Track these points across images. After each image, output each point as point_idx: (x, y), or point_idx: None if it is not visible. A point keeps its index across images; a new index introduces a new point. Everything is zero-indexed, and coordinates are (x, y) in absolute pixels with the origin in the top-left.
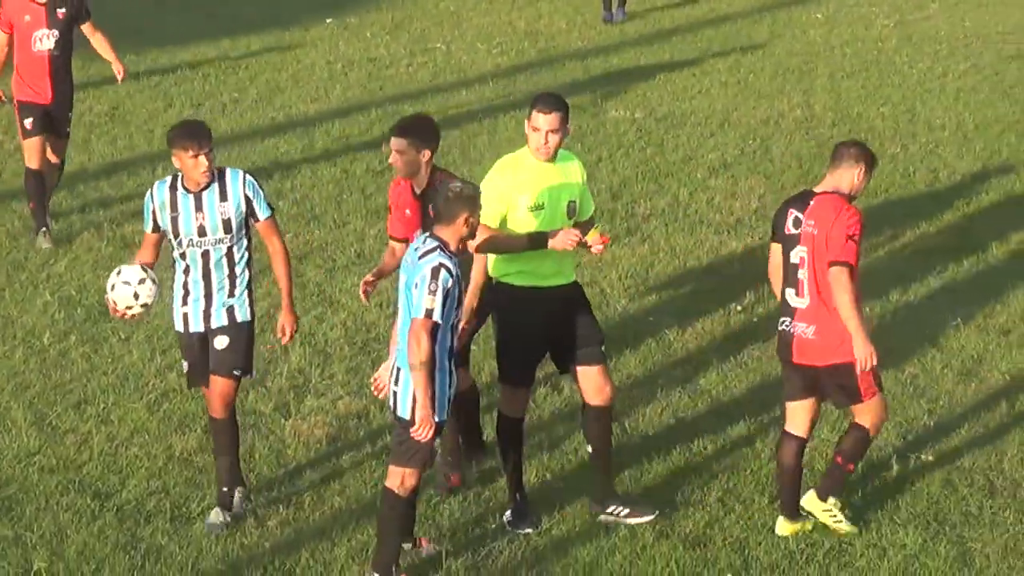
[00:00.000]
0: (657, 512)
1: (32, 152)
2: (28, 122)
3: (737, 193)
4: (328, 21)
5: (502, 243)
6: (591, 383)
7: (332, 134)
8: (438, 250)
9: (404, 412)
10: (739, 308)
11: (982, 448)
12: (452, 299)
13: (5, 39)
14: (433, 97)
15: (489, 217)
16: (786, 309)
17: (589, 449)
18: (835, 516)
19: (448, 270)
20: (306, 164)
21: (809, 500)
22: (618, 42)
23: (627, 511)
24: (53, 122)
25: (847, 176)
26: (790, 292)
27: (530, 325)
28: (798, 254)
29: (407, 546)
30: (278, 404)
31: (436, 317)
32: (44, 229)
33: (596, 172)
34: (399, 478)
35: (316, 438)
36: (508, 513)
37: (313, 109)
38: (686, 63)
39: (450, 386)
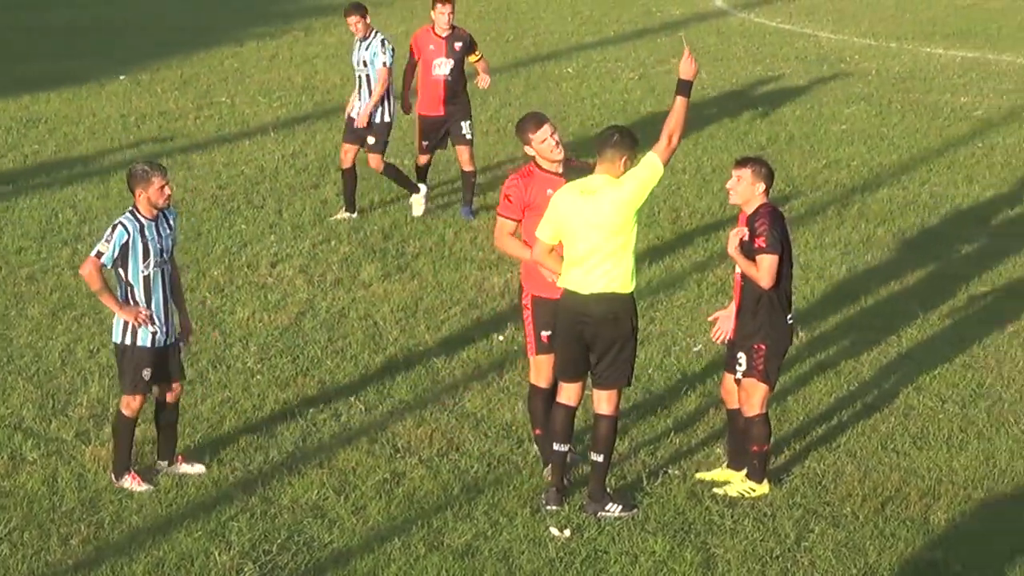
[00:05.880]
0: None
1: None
2: (424, 144)
3: None
4: (121, 78)
5: None
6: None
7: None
8: (127, 212)
9: (116, 337)
10: (500, 338)
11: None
12: (133, 249)
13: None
14: (219, 147)
15: None
16: None
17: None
18: None
19: (124, 227)
20: (103, 210)
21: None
22: None
23: (621, 507)
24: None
25: None
26: None
27: None
28: None
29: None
30: (79, 431)
31: (104, 260)
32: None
33: (370, 215)
34: (124, 402)
35: None
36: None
37: (108, 159)
38: None
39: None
